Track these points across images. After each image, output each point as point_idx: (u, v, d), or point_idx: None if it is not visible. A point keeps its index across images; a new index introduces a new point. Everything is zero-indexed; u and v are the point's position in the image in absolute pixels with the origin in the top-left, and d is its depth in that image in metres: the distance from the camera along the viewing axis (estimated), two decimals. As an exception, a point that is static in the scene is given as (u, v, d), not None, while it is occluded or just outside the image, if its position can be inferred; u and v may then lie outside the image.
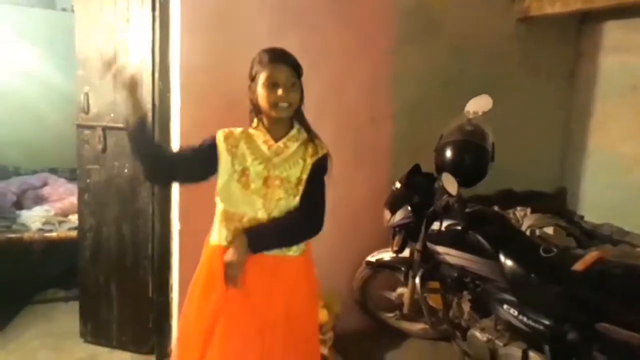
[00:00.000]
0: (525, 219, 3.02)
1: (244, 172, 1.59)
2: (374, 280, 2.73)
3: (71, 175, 3.96)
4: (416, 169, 2.39)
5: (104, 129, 2.52)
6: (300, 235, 1.66)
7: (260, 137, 1.62)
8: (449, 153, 2.10)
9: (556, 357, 1.82)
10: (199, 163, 1.63)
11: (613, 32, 3.23)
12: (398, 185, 2.36)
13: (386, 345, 2.69)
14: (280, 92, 1.54)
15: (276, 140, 1.62)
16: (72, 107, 2.70)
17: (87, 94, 2.54)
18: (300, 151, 1.63)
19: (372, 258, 2.63)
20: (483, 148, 2.07)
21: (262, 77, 1.54)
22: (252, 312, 1.60)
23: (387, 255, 2.55)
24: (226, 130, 1.63)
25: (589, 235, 3.05)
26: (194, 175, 1.66)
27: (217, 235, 1.64)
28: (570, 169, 3.54)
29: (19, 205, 3.60)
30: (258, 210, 1.60)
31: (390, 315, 2.76)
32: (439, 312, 2.40)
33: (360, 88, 2.65)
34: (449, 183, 1.93)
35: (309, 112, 1.68)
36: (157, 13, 2.35)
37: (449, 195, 1.96)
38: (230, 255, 1.55)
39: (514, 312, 1.93)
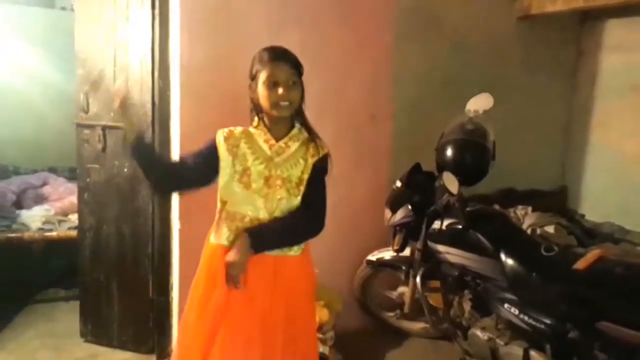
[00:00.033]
0: (526, 217, 3.03)
1: (245, 172, 1.59)
2: (375, 279, 2.72)
3: (71, 175, 3.95)
4: (417, 168, 2.39)
5: (104, 128, 2.51)
6: (302, 235, 1.66)
7: (261, 136, 1.61)
8: (449, 152, 2.10)
9: (557, 355, 1.82)
10: (202, 169, 1.61)
11: (614, 30, 3.23)
12: (399, 184, 2.36)
13: (387, 345, 2.68)
14: (280, 90, 1.52)
15: (277, 140, 1.61)
16: (71, 106, 2.69)
17: (86, 93, 2.54)
18: (301, 151, 1.63)
19: (372, 257, 2.62)
20: (484, 147, 2.07)
21: (262, 76, 1.53)
22: (254, 312, 1.59)
23: (387, 254, 2.54)
24: (226, 130, 1.62)
25: (590, 234, 3.05)
26: (199, 181, 1.64)
27: (218, 235, 1.63)
28: (571, 167, 3.54)
29: (18, 204, 3.60)
30: (259, 210, 1.59)
31: (391, 314, 2.76)
32: (440, 311, 2.39)
33: (360, 87, 2.65)
34: (450, 182, 1.93)
35: (309, 111, 1.67)
36: (157, 11, 2.35)
37: (450, 194, 1.96)
38: (232, 255, 1.54)
39: (515, 311, 1.93)
